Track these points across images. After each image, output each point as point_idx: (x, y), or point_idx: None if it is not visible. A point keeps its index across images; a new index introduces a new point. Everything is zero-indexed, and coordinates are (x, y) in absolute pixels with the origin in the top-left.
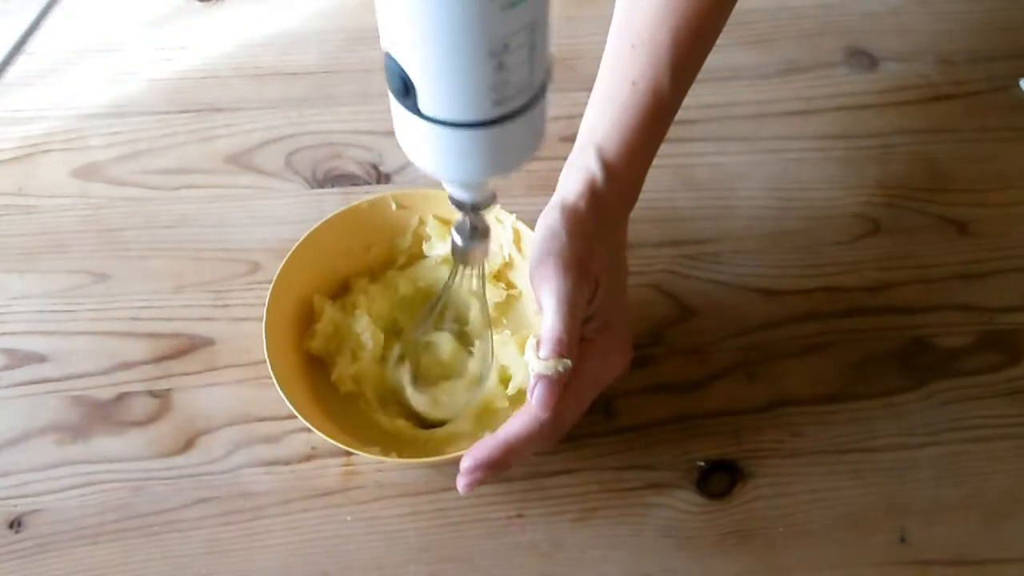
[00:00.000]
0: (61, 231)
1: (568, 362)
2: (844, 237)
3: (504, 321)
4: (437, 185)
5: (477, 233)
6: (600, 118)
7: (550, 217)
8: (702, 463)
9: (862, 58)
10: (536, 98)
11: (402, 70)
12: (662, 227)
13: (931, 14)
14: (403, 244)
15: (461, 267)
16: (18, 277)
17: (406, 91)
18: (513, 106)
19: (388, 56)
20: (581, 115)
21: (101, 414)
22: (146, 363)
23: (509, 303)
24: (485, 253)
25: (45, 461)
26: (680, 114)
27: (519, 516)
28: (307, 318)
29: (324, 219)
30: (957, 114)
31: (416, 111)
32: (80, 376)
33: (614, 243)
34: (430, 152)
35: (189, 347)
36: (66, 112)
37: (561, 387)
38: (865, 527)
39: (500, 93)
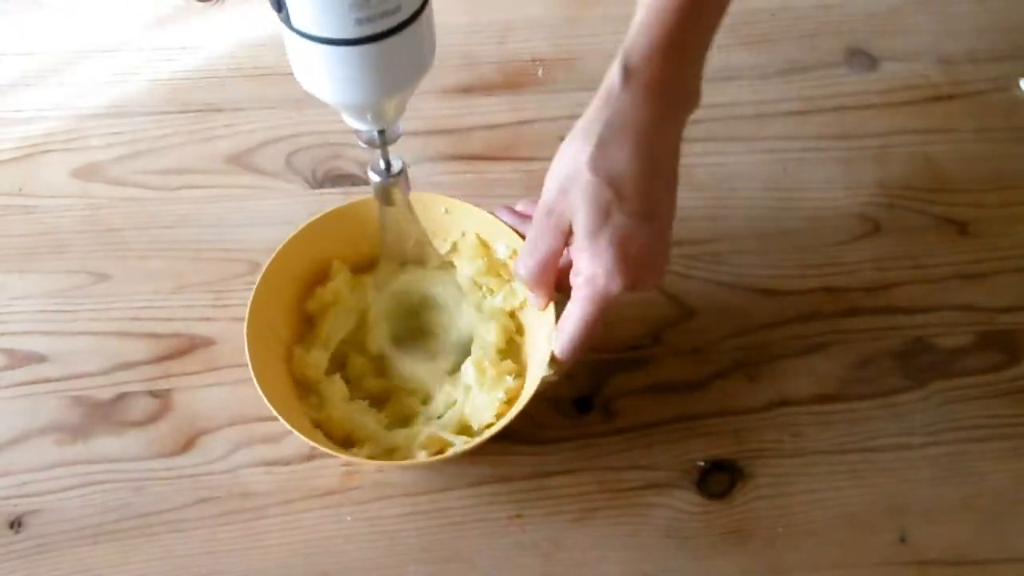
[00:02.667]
0: (61, 231)
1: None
2: (844, 237)
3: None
4: (425, 188)
5: (392, 169)
6: (632, 26)
7: (577, 163)
8: (702, 463)
9: (862, 58)
10: (408, 22)
11: None
12: None
13: (931, 14)
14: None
15: (388, 214)
16: (18, 277)
17: (279, 5)
18: (379, 28)
19: None
20: (582, 115)
21: (101, 414)
22: (146, 363)
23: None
24: (407, 190)
25: (45, 461)
26: None
27: (519, 516)
28: (296, 315)
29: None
30: (957, 114)
31: (289, 25)
32: (80, 376)
33: (631, 151)
34: (311, 72)
35: (189, 347)
36: (66, 112)
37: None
38: (865, 527)
39: (361, 11)
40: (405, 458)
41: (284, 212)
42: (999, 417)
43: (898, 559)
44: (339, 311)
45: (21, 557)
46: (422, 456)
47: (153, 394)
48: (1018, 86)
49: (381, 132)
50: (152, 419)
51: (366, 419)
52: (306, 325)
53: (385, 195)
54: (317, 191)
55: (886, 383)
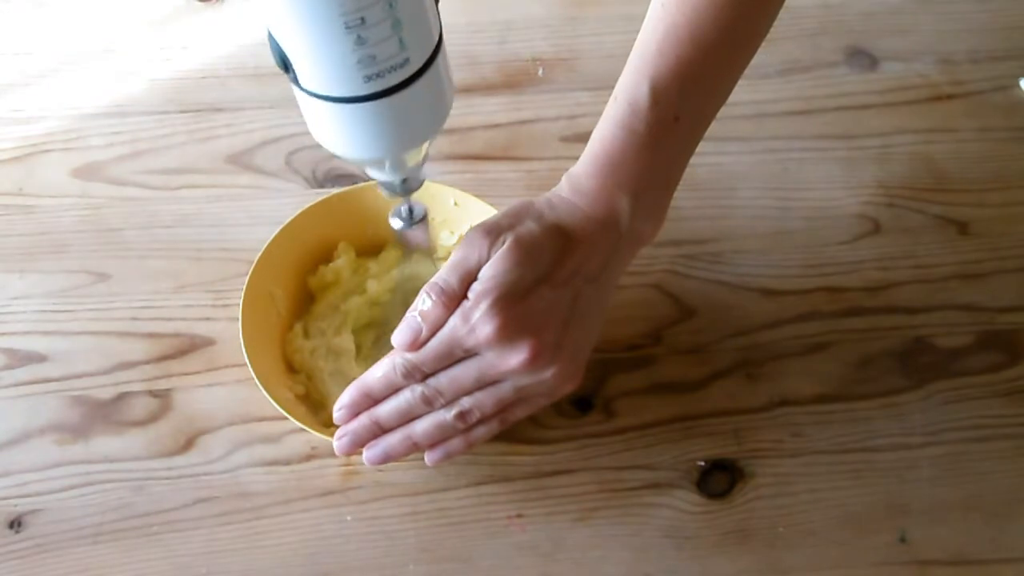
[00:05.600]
0: (61, 231)
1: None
2: (844, 237)
3: None
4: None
5: (414, 216)
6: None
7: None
8: (702, 463)
9: (862, 58)
10: (418, 75)
11: (278, 45)
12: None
13: (931, 14)
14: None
15: (410, 253)
16: (18, 277)
17: (285, 66)
18: (389, 83)
19: (268, 33)
20: (582, 115)
21: (101, 414)
22: (146, 363)
23: None
24: (425, 237)
25: (45, 461)
26: None
27: (519, 516)
28: (299, 291)
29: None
30: (957, 114)
31: (299, 85)
32: (80, 376)
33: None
34: (325, 130)
35: (189, 347)
36: (66, 112)
37: (418, 332)
38: (865, 527)
39: (369, 68)
40: None
41: (284, 212)
42: (999, 417)
43: (898, 559)
44: (336, 292)
45: (21, 557)
46: None
47: (153, 394)
48: (1018, 86)
49: (403, 181)
50: (152, 419)
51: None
52: (309, 300)
53: (406, 240)
54: (317, 191)
55: (886, 383)
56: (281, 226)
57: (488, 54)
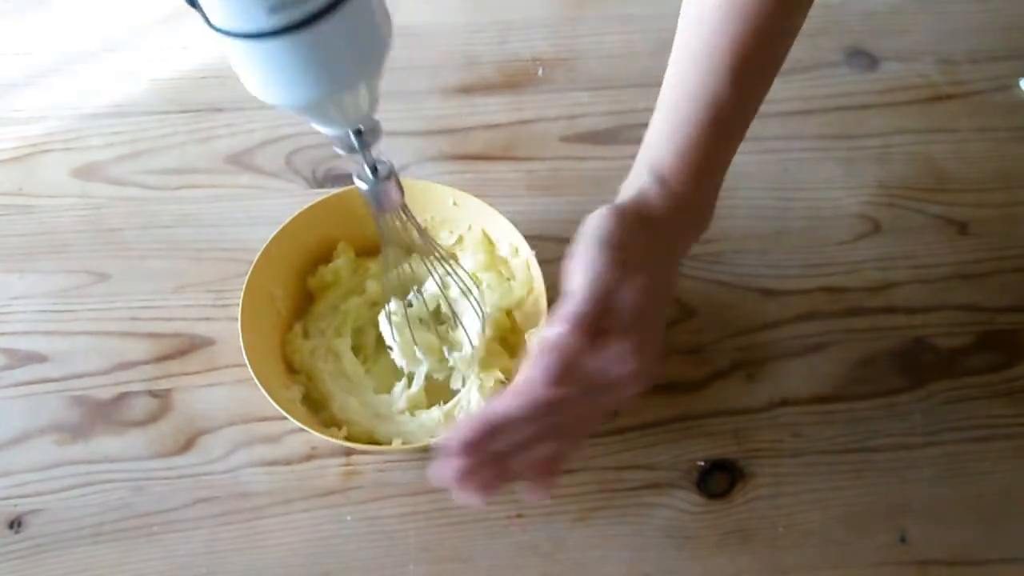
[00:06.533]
0: (61, 231)
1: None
2: (844, 237)
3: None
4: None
5: (379, 173)
6: (657, 136)
7: (598, 214)
8: (702, 463)
9: (862, 58)
10: (331, 8)
11: None
12: None
13: (931, 14)
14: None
15: (382, 218)
16: (18, 277)
17: (192, 2)
18: (294, 16)
19: None
20: (582, 115)
21: (101, 414)
22: (146, 363)
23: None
24: (399, 195)
25: (45, 461)
26: None
27: (519, 516)
28: (299, 291)
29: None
30: (957, 114)
31: (208, 23)
32: (80, 376)
33: (659, 252)
34: (243, 72)
35: (189, 347)
36: (66, 112)
37: (563, 361)
38: (865, 527)
39: None
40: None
41: (284, 212)
42: (999, 417)
43: (898, 559)
44: (336, 292)
45: (21, 557)
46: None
47: (153, 394)
48: (1018, 86)
49: (357, 133)
50: (152, 419)
51: (350, 401)
52: (308, 301)
53: (377, 202)
54: (317, 191)
55: (886, 383)
56: (281, 226)
57: (488, 54)
